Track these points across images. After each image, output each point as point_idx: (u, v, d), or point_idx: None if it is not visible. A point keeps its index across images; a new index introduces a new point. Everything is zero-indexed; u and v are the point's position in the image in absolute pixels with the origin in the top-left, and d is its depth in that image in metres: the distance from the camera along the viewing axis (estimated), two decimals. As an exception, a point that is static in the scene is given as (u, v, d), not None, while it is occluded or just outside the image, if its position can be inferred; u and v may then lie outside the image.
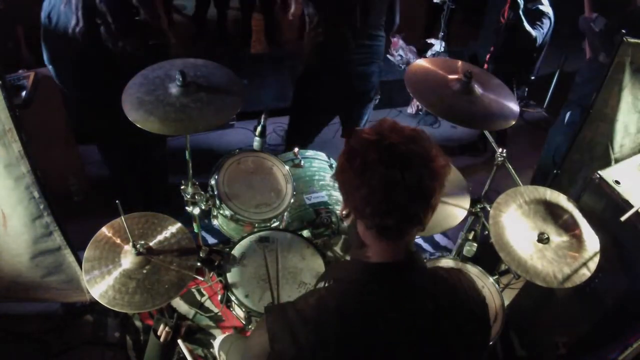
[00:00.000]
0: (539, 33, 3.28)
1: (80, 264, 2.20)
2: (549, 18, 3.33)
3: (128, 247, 1.76)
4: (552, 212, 2.04)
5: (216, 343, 1.81)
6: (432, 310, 1.04)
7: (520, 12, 3.19)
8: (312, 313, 0.99)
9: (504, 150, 2.14)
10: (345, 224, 1.12)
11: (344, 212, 1.07)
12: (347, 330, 0.98)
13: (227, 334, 1.87)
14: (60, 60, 2.28)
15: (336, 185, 2.43)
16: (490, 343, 1.90)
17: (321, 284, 1.14)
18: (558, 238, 1.98)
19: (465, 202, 2.20)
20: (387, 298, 1.01)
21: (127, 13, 2.12)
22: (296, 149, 2.50)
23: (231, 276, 1.87)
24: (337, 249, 2.25)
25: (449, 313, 1.06)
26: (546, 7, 3.33)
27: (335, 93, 2.82)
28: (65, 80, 2.38)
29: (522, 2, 3.17)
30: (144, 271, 1.74)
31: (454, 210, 2.15)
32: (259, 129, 2.24)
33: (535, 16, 3.29)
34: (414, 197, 0.97)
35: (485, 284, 2.08)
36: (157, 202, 2.90)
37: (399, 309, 1.01)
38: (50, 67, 2.33)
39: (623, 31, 2.15)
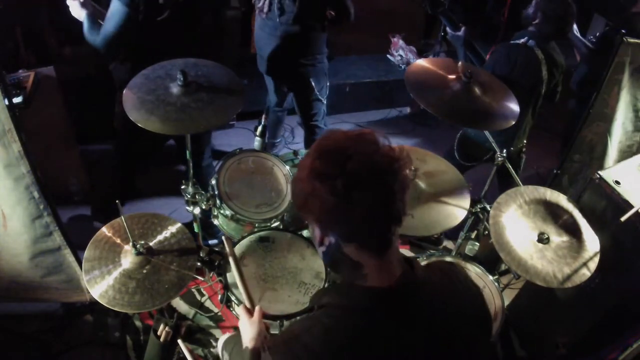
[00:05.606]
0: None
1: (80, 264, 2.20)
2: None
3: (128, 247, 1.76)
4: (552, 212, 2.04)
5: (220, 342, 1.80)
6: (439, 324, 1.02)
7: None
8: (320, 348, 0.97)
9: (505, 151, 2.14)
10: (320, 251, 1.06)
11: (323, 241, 1.02)
12: None
13: (230, 333, 1.86)
14: None
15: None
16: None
17: (318, 309, 1.07)
18: (558, 238, 1.98)
19: (465, 202, 2.20)
20: (393, 324, 0.99)
21: None
22: (296, 149, 2.50)
23: (231, 276, 1.87)
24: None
25: (454, 321, 1.05)
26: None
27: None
28: None
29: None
30: (144, 271, 1.74)
31: (454, 210, 2.15)
32: (259, 129, 2.25)
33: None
34: (399, 195, 0.94)
35: (486, 283, 2.08)
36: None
37: (406, 334, 0.99)
38: None
39: (623, 31, 2.15)
